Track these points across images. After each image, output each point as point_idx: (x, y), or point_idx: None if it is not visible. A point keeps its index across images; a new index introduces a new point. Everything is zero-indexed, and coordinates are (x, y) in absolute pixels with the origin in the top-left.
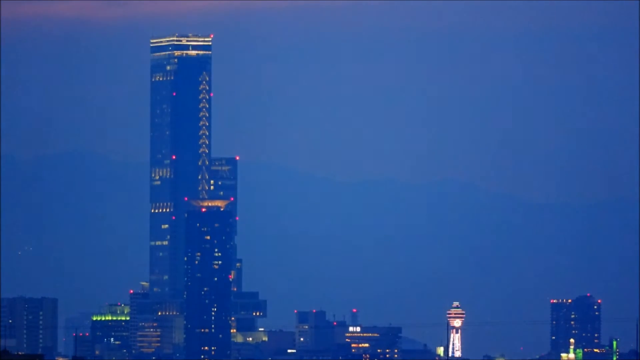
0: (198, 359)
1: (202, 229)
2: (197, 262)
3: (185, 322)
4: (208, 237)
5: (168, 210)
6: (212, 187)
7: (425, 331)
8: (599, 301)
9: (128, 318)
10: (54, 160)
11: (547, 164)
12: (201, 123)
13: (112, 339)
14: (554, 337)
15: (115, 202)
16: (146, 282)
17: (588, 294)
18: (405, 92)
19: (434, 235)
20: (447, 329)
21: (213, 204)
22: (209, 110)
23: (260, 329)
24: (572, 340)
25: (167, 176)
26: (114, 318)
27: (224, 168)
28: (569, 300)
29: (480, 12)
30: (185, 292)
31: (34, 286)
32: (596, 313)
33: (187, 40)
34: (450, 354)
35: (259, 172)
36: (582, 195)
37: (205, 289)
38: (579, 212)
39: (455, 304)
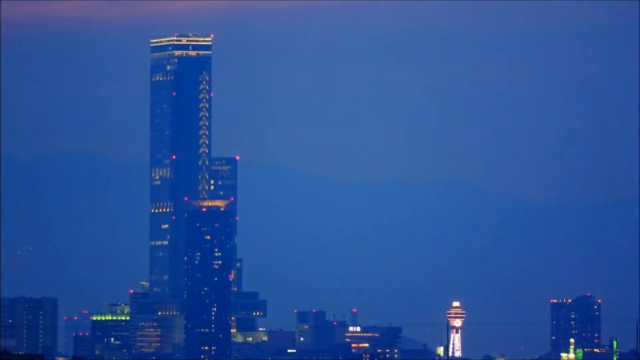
0: (198, 358)
1: (202, 229)
2: (197, 262)
3: (185, 322)
4: (208, 237)
5: (168, 210)
6: (212, 187)
7: (425, 331)
8: (599, 301)
9: (128, 318)
10: (54, 160)
11: (547, 164)
12: (201, 123)
13: (112, 339)
14: (554, 337)
15: (115, 202)
16: (146, 282)
17: (588, 294)
18: (406, 92)
19: (434, 235)
20: (447, 329)
21: (213, 204)
22: (209, 110)
23: (260, 329)
24: (572, 340)
25: (167, 176)
26: (114, 318)
27: (224, 168)
28: (569, 300)
29: (480, 12)
30: (185, 292)
31: (34, 286)
32: (596, 313)
33: (187, 40)
34: (450, 354)
35: (259, 172)
36: (582, 195)
37: (205, 288)
38: (579, 212)
39: (456, 303)
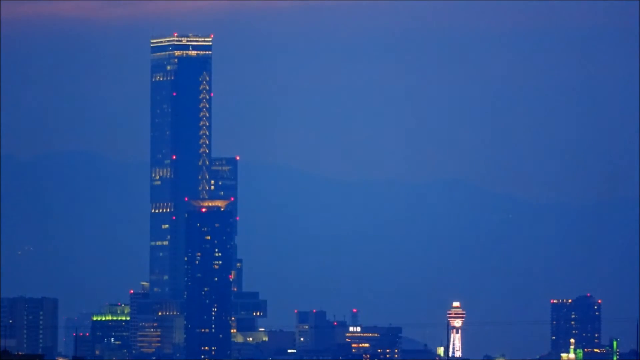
0: (198, 359)
1: (203, 229)
2: (197, 262)
3: (185, 322)
4: (208, 237)
5: (168, 210)
6: (212, 187)
7: (425, 331)
8: (599, 301)
9: (128, 318)
10: (54, 160)
11: (547, 164)
12: (201, 123)
13: (112, 339)
14: (554, 337)
15: (115, 202)
16: (146, 282)
17: (588, 294)
18: (406, 92)
19: (434, 235)
20: (448, 329)
21: (213, 204)
22: (209, 110)
23: (260, 329)
24: (572, 340)
25: (168, 176)
26: (114, 318)
27: (224, 168)
28: (569, 301)
29: (480, 12)
30: (186, 292)
31: (34, 286)
32: (596, 313)
33: (188, 41)
34: (450, 354)
35: (259, 172)
36: (582, 195)
37: (205, 289)
38: (579, 212)
39: (456, 304)
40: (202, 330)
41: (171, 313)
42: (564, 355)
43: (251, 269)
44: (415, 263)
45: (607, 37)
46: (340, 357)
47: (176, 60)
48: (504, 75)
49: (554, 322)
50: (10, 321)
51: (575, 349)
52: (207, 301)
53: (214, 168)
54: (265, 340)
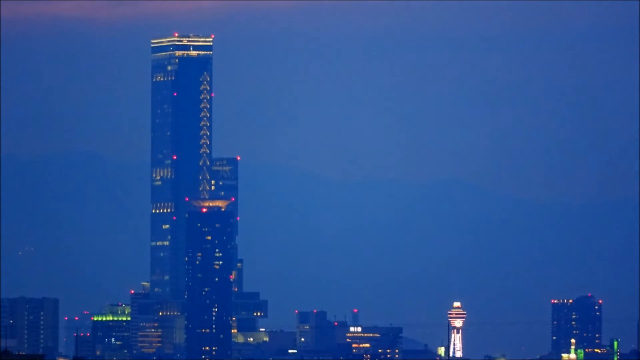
0: (199, 359)
1: (203, 229)
2: (198, 262)
3: (186, 322)
4: (209, 238)
5: (169, 210)
6: (213, 188)
7: (426, 331)
8: (600, 301)
9: (129, 318)
10: (54, 160)
11: (546, 163)
12: (202, 123)
13: (113, 339)
14: (554, 338)
15: (115, 202)
16: (147, 282)
17: (589, 294)
18: (406, 92)
19: (434, 236)
20: (448, 329)
21: (214, 204)
22: (209, 110)
23: (261, 329)
24: (573, 340)
25: (168, 176)
26: (115, 318)
27: (224, 168)
28: (570, 301)
29: (480, 12)
30: (186, 293)
31: (35, 286)
32: (597, 313)
33: (188, 41)
34: (451, 354)
35: (259, 172)
36: (582, 195)
37: (206, 289)
38: (579, 212)
39: (456, 304)
40: (203, 330)
41: (172, 313)
42: (564, 355)
43: (252, 269)
44: (416, 263)
45: (607, 37)
46: (341, 358)
47: (177, 60)
48: (503, 75)
49: (555, 322)
50: (11, 321)
51: (575, 349)
52: (207, 301)
53: (214, 168)
54: (265, 341)
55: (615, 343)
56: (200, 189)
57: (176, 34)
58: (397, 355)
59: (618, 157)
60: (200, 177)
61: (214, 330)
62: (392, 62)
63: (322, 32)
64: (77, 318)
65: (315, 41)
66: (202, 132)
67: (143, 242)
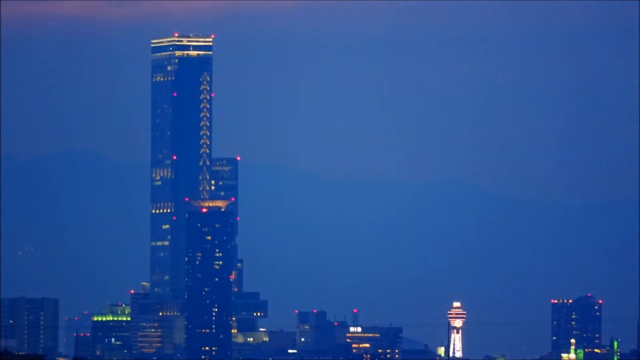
0: (199, 359)
1: (203, 229)
2: (198, 262)
3: (186, 322)
4: (209, 238)
5: (169, 210)
6: (212, 188)
7: (426, 331)
8: (600, 301)
9: (129, 318)
10: (54, 160)
11: (547, 163)
12: (202, 123)
13: (113, 339)
14: (554, 338)
15: (115, 202)
16: (147, 282)
17: (589, 294)
18: (406, 92)
19: (434, 236)
20: (448, 329)
21: (214, 204)
22: (209, 110)
23: (261, 329)
24: (572, 340)
25: (168, 176)
26: (115, 318)
27: (224, 168)
28: (570, 301)
29: (480, 12)
30: (186, 293)
31: (35, 286)
32: (597, 313)
33: (188, 41)
34: (451, 354)
35: (259, 172)
36: (582, 195)
37: (206, 289)
38: (579, 212)
39: (456, 304)
40: (203, 330)
41: (172, 313)
42: (564, 355)
43: (252, 269)
44: (416, 263)
45: (607, 37)
46: (341, 358)
47: (177, 60)
48: (503, 75)
49: (555, 322)
50: (11, 321)
51: (575, 349)
52: (207, 301)
53: (214, 168)
54: (265, 341)
55: (615, 343)
56: (200, 189)
57: (176, 34)
58: (397, 355)
59: (618, 157)
60: (200, 177)
61: (214, 330)
62: (392, 62)
63: (322, 32)
64: (77, 318)
65: (315, 41)
66: (202, 132)
67: (143, 242)
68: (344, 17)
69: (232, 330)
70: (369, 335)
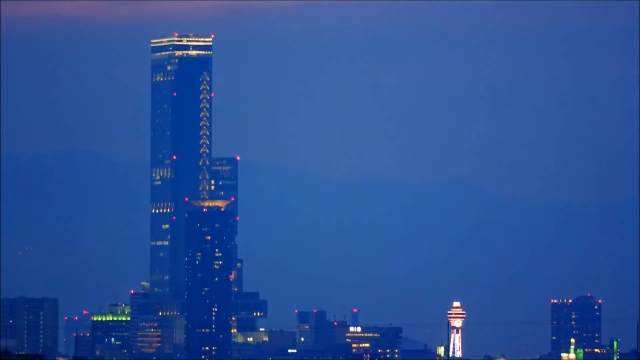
0: (199, 359)
1: (203, 229)
2: (197, 262)
3: (185, 322)
4: (209, 237)
5: (169, 210)
6: (212, 187)
7: (425, 331)
8: (600, 301)
9: (129, 318)
10: (54, 160)
11: (546, 163)
12: (202, 123)
13: (112, 339)
14: (554, 337)
15: (115, 202)
16: (147, 282)
17: (589, 294)
18: (406, 92)
19: (434, 235)
20: (448, 329)
21: (214, 204)
22: (209, 110)
23: (260, 329)
24: (572, 340)
25: (168, 176)
26: (115, 318)
27: (224, 168)
28: (570, 301)
29: (480, 12)
30: (186, 292)
31: (35, 286)
32: (597, 313)
33: (188, 41)
34: (450, 354)
35: (259, 172)
36: (582, 195)
37: (205, 289)
38: (579, 212)
39: (456, 304)
40: (203, 330)
41: (171, 313)
42: (564, 355)
43: (251, 269)
44: (415, 263)
45: (607, 37)
46: (341, 357)
47: (176, 60)
48: (503, 74)
49: (554, 322)
50: (11, 321)
51: (575, 349)
52: (207, 301)
53: (214, 168)
54: (265, 341)
55: (615, 343)
56: (200, 188)
57: (176, 34)
58: (396, 355)
59: (618, 157)
60: (200, 177)
61: (213, 330)
62: (392, 62)
63: (322, 32)
64: (76, 318)
65: (315, 41)
66: (201, 132)
67: (143, 242)
68: (344, 17)
69: (232, 330)
70: (368, 335)
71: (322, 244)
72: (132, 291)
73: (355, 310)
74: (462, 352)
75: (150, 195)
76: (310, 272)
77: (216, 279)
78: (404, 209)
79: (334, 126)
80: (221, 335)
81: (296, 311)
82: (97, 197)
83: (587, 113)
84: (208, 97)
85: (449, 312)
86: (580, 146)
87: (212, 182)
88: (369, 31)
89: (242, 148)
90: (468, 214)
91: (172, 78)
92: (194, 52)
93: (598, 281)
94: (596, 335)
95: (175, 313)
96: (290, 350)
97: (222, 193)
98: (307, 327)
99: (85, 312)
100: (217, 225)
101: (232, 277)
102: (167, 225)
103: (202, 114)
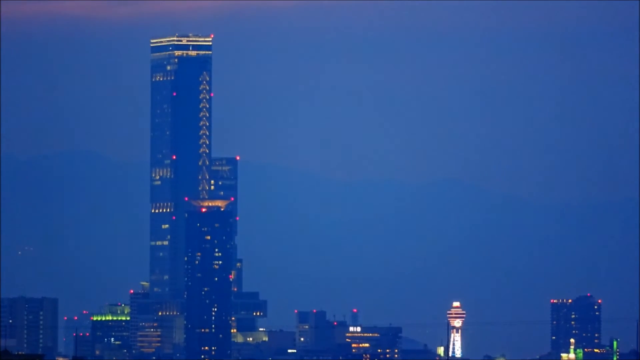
0: (198, 359)
1: (203, 229)
2: (197, 262)
3: (185, 322)
4: (208, 237)
5: (168, 210)
6: (212, 187)
7: (425, 331)
8: (599, 301)
9: (128, 318)
10: (54, 160)
11: (546, 163)
12: (201, 123)
13: (112, 339)
14: (554, 337)
15: (115, 202)
16: (146, 282)
17: (588, 294)
18: (406, 92)
19: (434, 235)
20: (448, 329)
21: (213, 204)
22: (209, 110)
23: (260, 329)
24: (572, 340)
25: (168, 176)
26: (114, 318)
27: (224, 168)
28: (569, 300)
29: (480, 12)
30: (186, 292)
31: (35, 286)
32: (596, 313)
33: (188, 40)
34: (450, 354)
35: (259, 172)
36: (582, 195)
37: (205, 289)
38: (579, 212)
39: (456, 304)
40: (202, 330)
41: (171, 313)
42: (564, 355)
43: (251, 269)
44: (415, 263)
45: (607, 37)
46: (341, 357)
47: (176, 60)
48: (503, 74)
49: (554, 322)
50: (11, 321)
51: (575, 349)
52: (207, 301)
53: (214, 168)
54: (265, 340)
55: (615, 343)
56: (200, 188)
57: (176, 34)
58: (396, 355)
59: (618, 157)
60: (200, 177)
61: (213, 330)
62: (392, 62)
63: (322, 32)
64: (76, 318)
65: (315, 41)
66: (201, 132)
67: (142, 241)
68: (344, 17)
69: (232, 330)
70: (368, 335)
71: (321, 244)
72: (132, 291)
73: (355, 310)
74: (462, 352)
75: (150, 195)
76: (310, 272)
77: (216, 279)
78: (404, 208)
79: (334, 126)
80: (221, 335)
81: (296, 311)
82: (97, 197)
83: (587, 113)
84: (208, 97)
85: (448, 312)
86: (580, 146)
87: (212, 182)
88: (369, 31)
89: (241, 148)
90: (468, 214)
91: (172, 78)
92: (193, 52)
93: (598, 281)
94: (596, 335)
95: (175, 313)
96: (290, 350)
97: (222, 193)
98: (306, 327)
99: (85, 312)
100: (216, 225)
101: (231, 277)
102: (166, 225)
103: (201, 113)
